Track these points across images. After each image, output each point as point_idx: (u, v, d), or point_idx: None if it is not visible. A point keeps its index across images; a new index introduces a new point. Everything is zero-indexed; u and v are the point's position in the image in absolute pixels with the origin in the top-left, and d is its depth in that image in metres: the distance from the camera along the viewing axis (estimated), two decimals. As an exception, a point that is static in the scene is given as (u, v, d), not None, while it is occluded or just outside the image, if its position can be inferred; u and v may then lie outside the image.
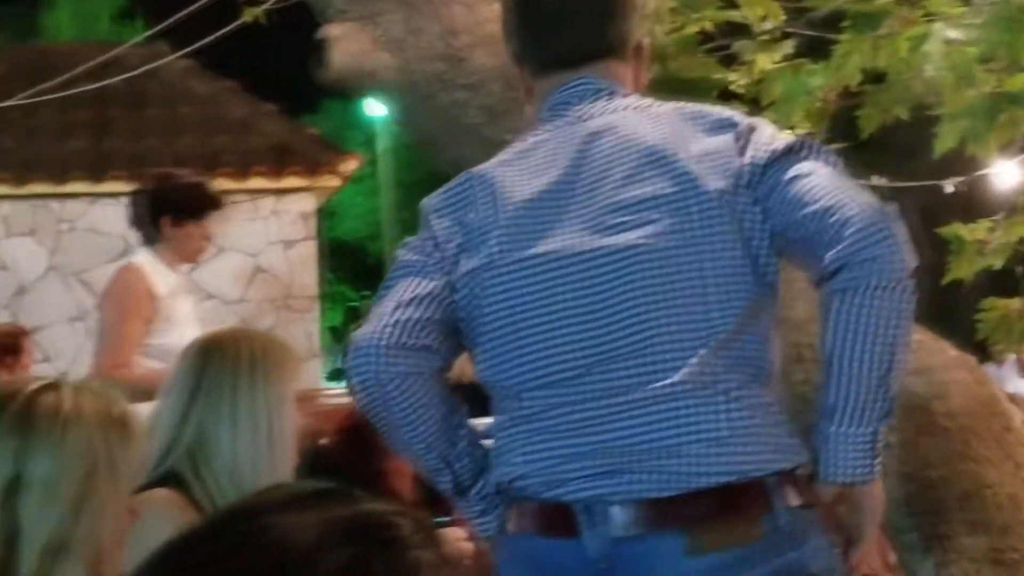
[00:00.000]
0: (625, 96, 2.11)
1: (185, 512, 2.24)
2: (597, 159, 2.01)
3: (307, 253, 9.96)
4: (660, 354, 1.92)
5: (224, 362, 2.38)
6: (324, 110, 19.75)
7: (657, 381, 1.91)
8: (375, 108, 18.58)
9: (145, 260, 4.09)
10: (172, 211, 4.05)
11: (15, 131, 9.59)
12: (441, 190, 2.12)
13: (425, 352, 2.01)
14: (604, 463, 1.92)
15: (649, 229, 1.95)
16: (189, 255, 4.23)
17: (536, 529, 2.00)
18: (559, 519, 1.95)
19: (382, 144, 19.08)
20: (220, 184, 9.55)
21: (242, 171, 9.65)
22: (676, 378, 1.91)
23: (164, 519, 2.19)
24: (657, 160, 1.98)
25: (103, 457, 1.74)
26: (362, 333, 2.04)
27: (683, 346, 1.92)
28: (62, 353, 8.92)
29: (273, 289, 9.74)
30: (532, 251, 1.99)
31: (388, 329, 1.99)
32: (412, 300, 2.01)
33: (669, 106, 2.10)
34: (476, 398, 2.17)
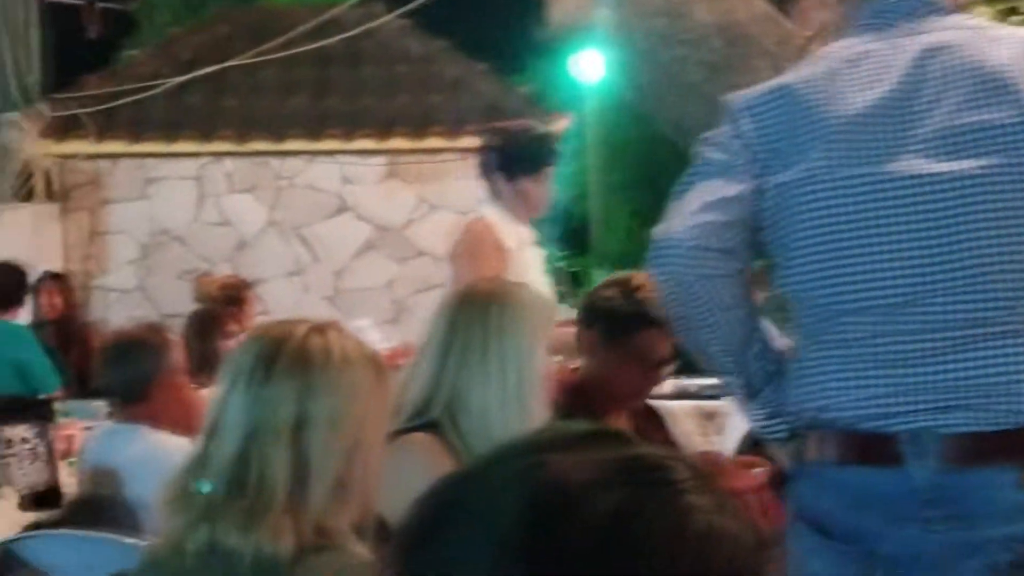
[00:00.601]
0: (952, 13, 2.01)
1: (441, 457, 2.29)
2: (934, 77, 1.94)
3: (517, 212, 10.01)
4: (993, 291, 1.88)
5: (475, 315, 2.41)
6: (532, 71, 19.82)
7: (990, 319, 1.88)
8: (583, 69, 18.51)
9: (493, 214, 4.19)
10: (512, 166, 4.12)
11: (237, 90, 9.90)
12: (754, 90, 2.07)
13: (728, 255, 2.00)
14: (934, 398, 1.89)
15: (988, 160, 1.88)
16: (532, 209, 4.24)
17: (853, 458, 1.96)
18: (881, 449, 1.92)
19: (589, 105, 19.04)
20: (432, 143, 9.78)
21: (454, 130, 9.75)
22: (1009, 318, 1.88)
23: (420, 463, 2.25)
24: (998, 86, 1.90)
25: (373, 397, 1.81)
26: (666, 231, 2.03)
27: (1016, 286, 1.88)
28: (280, 307, 9.19)
29: (483, 247, 9.82)
30: (862, 169, 1.93)
31: (694, 230, 1.99)
32: (718, 201, 1.99)
33: (1008, 30, 2.02)
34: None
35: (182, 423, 3.93)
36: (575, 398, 3.33)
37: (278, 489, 1.73)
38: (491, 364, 2.35)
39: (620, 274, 3.21)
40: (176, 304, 9.08)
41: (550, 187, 4.22)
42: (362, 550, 1.77)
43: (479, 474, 0.88)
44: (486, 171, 4.21)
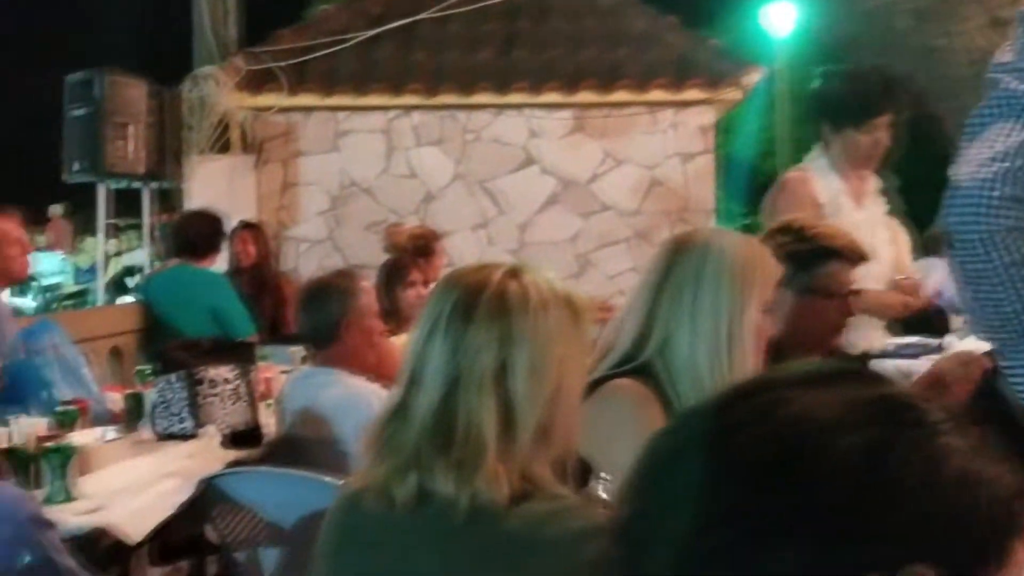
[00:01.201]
0: None
1: (649, 403, 2.25)
2: None
3: (705, 167, 9.88)
4: None
5: (690, 261, 2.35)
6: (722, 23, 19.46)
7: None
8: (773, 21, 18.10)
9: (815, 166, 4.04)
10: (838, 114, 3.96)
11: (426, 44, 9.97)
12: None
13: None
14: None
15: None
16: (859, 162, 4.02)
17: None
18: None
19: (779, 59, 18.62)
20: (619, 97, 9.70)
21: (642, 84, 9.65)
22: None
23: (628, 407, 2.22)
24: None
25: (571, 339, 1.78)
26: (963, 178, 1.91)
27: None
28: (465, 259, 9.26)
29: (669, 202, 9.73)
30: None
31: (995, 179, 1.86)
32: (1019, 145, 1.85)
33: None
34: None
35: (372, 367, 4.00)
36: (770, 353, 3.26)
37: (487, 437, 1.71)
38: (702, 312, 2.29)
39: (782, 220, 3.12)
40: (364, 255, 9.26)
41: (884, 138, 3.93)
42: (569, 494, 1.74)
43: (723, 409, 0.84)
44: (815, 117, 4.01)
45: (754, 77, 9.82)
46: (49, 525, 2.26)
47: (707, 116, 9.85)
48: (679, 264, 2.35)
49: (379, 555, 1.82)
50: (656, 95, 9.68)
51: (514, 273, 1.80)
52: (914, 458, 0.78)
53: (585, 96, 9.70)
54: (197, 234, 6.73)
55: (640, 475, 0.84)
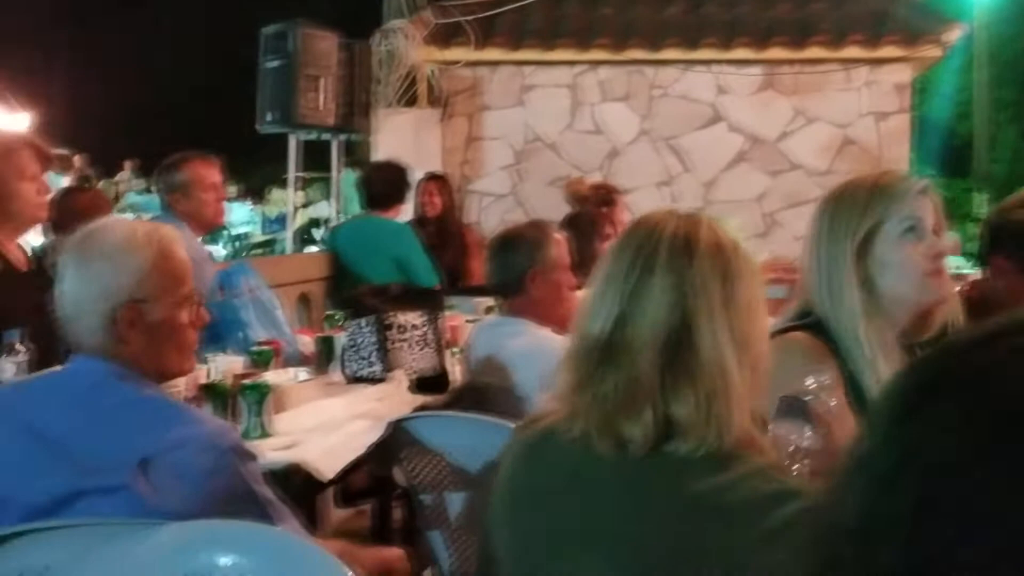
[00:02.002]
0: None
1: (826, 356, 2.21)
2: None
3: (899, 127, 9.58)
4: None
5: (855, 211, 2.30)
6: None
7: None
8: (974, -22, 17.44)
9: None
10: None
11: (615, -1, 9.90)
12: None
13: None
14: None
15: None
16: None
17: None
18: None
19: (978, 17, 17.93)
20: (812, 53, 9.46)
21: (837, 40, 9.39)
22: None
23: (800, 360, 2.18)
24: None
25: (757, 286, 1.76)
26: None
27: None
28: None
29: (861, 162, 9.47)
30: None
31: None
32: None
33: None
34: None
35: (559, 320, 3.98)
36: (979, 314, 3.13)
37: (730, 367, 1.71)
38: (862, 264, 2.24)
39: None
40: (547, 210, 9.24)
41: None
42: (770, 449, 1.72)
43: (974, 346, 0.79)
44: None
45: (953, 34, 9.46)
46: (250, 456, 2.30)
47: (903, 74, 9.54)
48: (843, 215, 2.30)
49: (570, 500, 1.81)
50: (851, 52, 9.41)
51: (694, 219, 1.81)
52: None
53: (776, 52, 9.49)
54: (383, 185, 6.85)
55: (885, 413, 0.80)
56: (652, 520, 1.72)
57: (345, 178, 9.78)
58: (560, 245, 3.99)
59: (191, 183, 4.79)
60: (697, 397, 1.70)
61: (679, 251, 1.75)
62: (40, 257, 3.89)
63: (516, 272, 3.93)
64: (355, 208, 8.61)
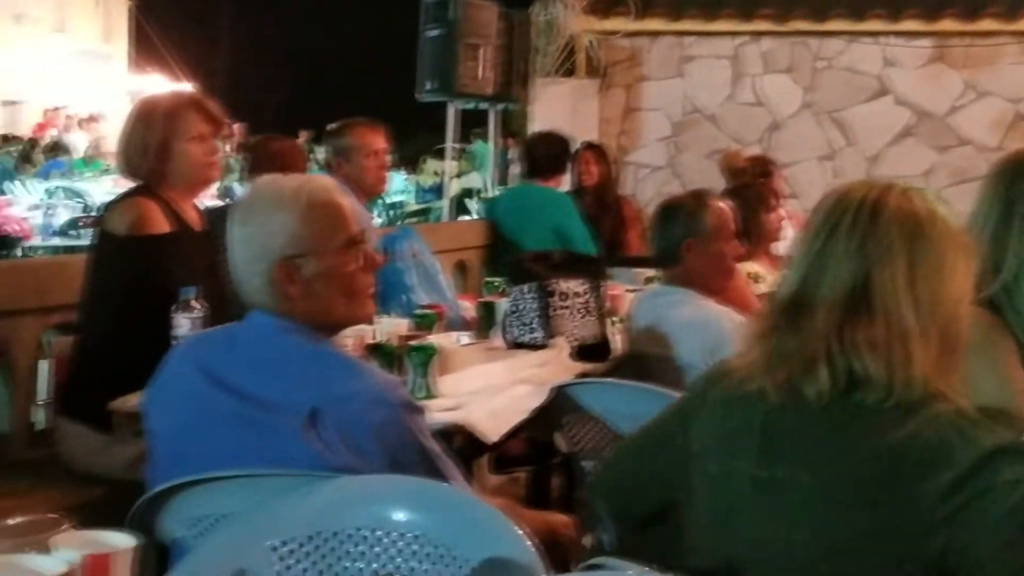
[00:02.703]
0: None
1: (1003, 332, 2.15)
2: None
3: (1076, 103, 9.24)
4: None
5: None
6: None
7: None
8: None
9: None
10: None
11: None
12: None
13: None
14: None
15: None
16: None
17: None
18: None
19: None
20: (985, 25, 9.16)
21: (1011, 12, 9.08)
22: None
23: (981, 334, 2.12)
24: None
25: (955, 253, 1.75)
26: None
27: None
28: (808, 191, 9.04)
29: (1033, 139, 9.16)
30: None
31: None
32: None
33: None
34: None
35: (719, 290, 3.94)
36: None
37: (909, 327, 1.74)
38: None
39: None
40: (704, 183, 9.06)
41: None
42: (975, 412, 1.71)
43: None
44: None
45: None
46: (419, 411, 2.33)
47: (1082, 48, 9.18)
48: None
49: (762, 449, 1.83)
50: (1025, 24, 9.09)
51: (891, 188, 1.83)
52: None
53: (947, 24, 9.21)
54: (544, 154, 6.89)
55: None
56: (844, 467, 1.74)
57: (479, 148, 9.81)
58: (720, 214, 3.94)
59: (355, 148, 4.85)
60: (876, 354, 1.73)
61: (866, 214, 1.78)
62: (212, 218, 3.98)
63: (673, 242, 3.90)
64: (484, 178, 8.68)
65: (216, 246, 3.81)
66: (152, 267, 3.49)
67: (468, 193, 16.77)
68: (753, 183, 5.86)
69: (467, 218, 12.64)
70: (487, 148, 10.58)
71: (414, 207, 17.76)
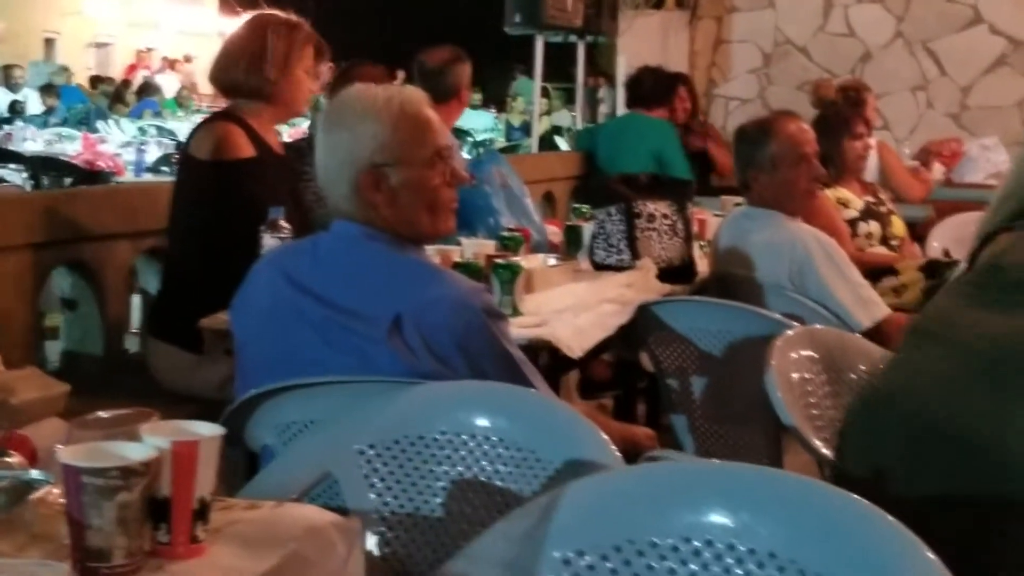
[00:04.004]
0: None
1: None
2: None
3: None
4: None
5: None
6: None
7: None
8: None
9: None
10: None
11: None
12: None
13: None
14: None
15: None
16: None
17: None
18: None
19: None
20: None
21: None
22: None
23: None
24: None
25: None
26: None
27: None
28: (902, 122, 8.85)
29: None
30: None
31: None
32: None
33: None
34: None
35: (799, 210, 3.91)
36: None
37: None
38: None
39: None
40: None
41: None
42: None
43: None
44: None
45: None
46: (502, 316, 2.34)
47: None
48: None
49: None
50: None
51: None
52: None
53: (1045, -51, 8.94)
54: (651, 86, 7.05)
55: None
56: None
57: (521, 85, 9.72)
58: (796, 136, 3.89)
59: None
60: None
61: None
62: (293, 152, 4.00)
63: (752, 164, 3.88)
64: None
65: (297, 175, 3.85)
66: (237, 190, 3.52)
67: (557, 131, 16.69)
68: (838, 110, 5.77)
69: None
70: (530, 85, 10.51)
71: (503, 145, 17.75)
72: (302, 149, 4.07)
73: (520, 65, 9.97)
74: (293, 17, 3.75)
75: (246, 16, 3.89)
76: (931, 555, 1.27)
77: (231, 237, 3.36)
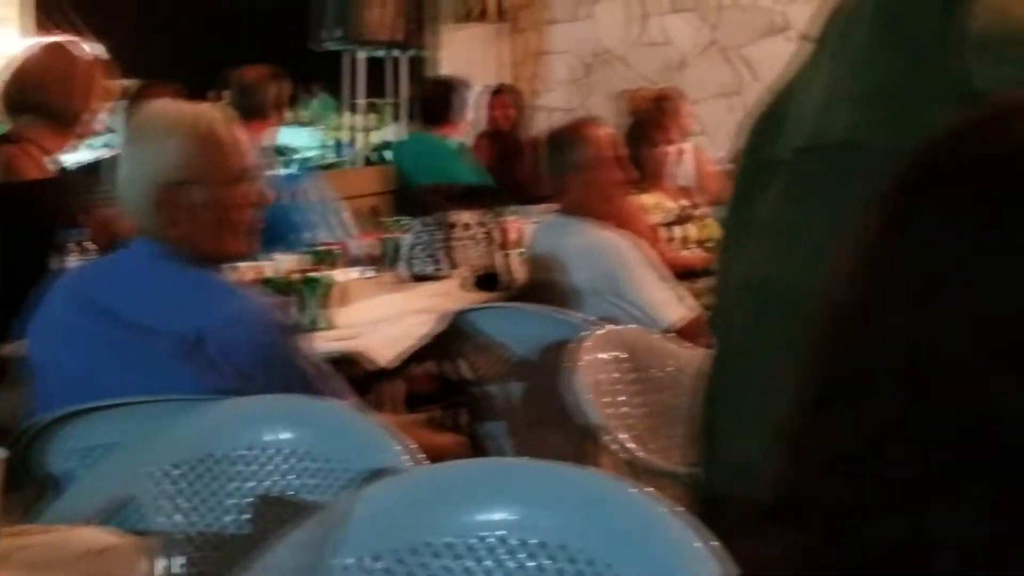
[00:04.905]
0: None
1: None
2: None
3: None
4: None
5: None
6: None
7: None
8: None
9: None
10: None
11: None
12: None
13: None
14: None
15: None
16: None
17: None
18: None
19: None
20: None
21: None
22: None
23: None
24: None
25: None
26: None
27: None
28: (716, 127, 9.09)
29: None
30: None
31: None
32: None
33: None
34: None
35: (609, 216, 3.98)
36: None
37: None
38: None
39: None
40: (614, 124, 9.16)
41: None
42: None
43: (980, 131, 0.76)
44: None
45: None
46: (294, 330, 2.33)
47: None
48: None
49: None
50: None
51: None
52: None
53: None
54: (429, 100, 6.87)
55: (901, 186, 0.77)
56: None
57: (322, 102, 9.63)
58: (602, 140, 3.97)
59: None
60: None
61: None
62: (81, 172, 3.93)
63: (556, 174, 3.94)
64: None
65: (89, 195, 3.78)
66: (25, 213, 3.44)
67: (388, 145, 16.60)
68: (650, 116, 5.89)
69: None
70: (330, 103, 10.49)
71: (329, 161, 17.60)
72: (97, 168, 4.00)
73: (319, 83, 9.81)
74: (90, 43, 3.70)
75: (44, 38, 3.82)
76: (695, 535, 1.30)
77: (21, 261, 3.28)
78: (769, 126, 2.28)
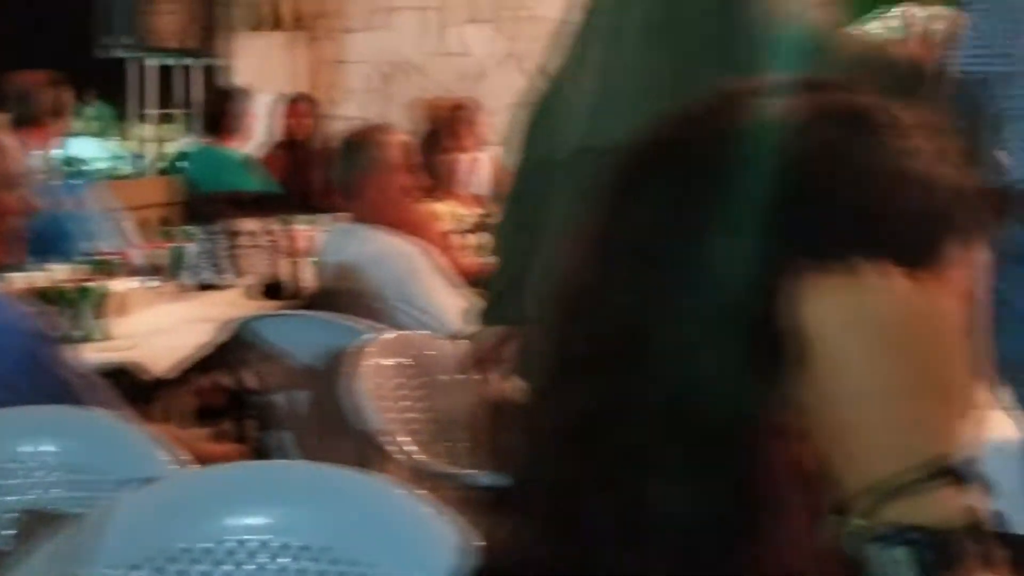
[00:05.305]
0: None
1: None
2: None
3: None
4: None
5: None
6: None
7: None
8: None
9: None
10: None
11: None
12: None
13: None
14: None
15: None
16: None
17: None
18: None
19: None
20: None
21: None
22: None
23: None
24: None
25: None
26: None
27: None
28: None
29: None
30: None
31: None
32: None
33: None
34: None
35: (400, 224, 3.97)
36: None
37: None
38: None
39: None
40: (411, 131, 9.14)
41: None
42: None
43: (697, 115, 0.79)
44: None
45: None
46: (57, 341, 2.26)
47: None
48: None
49: None
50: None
51: None
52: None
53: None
54: (213, 112, 6.82)
55: (619, 176, 0.79)
56: None
57: (98, 110, 9.42)
58: (393, 146, 3.95)
59: None
60: None
61: None
62: None
63: (349, 177, 3.91)
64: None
65: None
66: None
67: (183, 157, 16.24)
68: (445, 125, 5.92)
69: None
70: (106, 111, 10.27)
71: (122, 172, 17.14)
72: None
73: (98, 91, 9.50)
74: None
75: None
76: (461, 534, 1.29)
77: None
78: (540, 121, 2.29)
